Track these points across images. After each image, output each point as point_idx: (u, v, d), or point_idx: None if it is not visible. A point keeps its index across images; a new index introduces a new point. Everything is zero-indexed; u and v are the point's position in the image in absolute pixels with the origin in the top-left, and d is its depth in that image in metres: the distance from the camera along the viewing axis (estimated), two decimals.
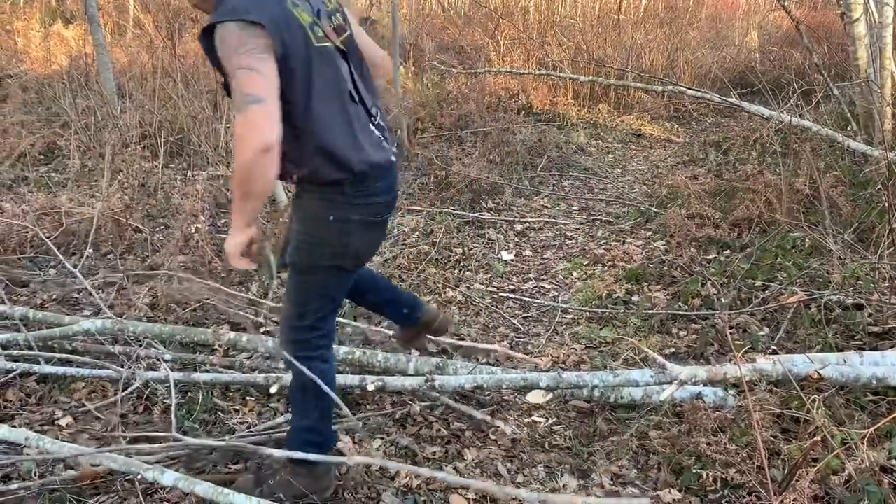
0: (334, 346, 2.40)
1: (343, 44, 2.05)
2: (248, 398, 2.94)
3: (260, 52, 1.76)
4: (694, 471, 2.50)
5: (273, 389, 2.83)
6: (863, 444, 2.34)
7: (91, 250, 4.21)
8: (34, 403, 2.85)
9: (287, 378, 2.84)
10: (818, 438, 2.36)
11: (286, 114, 1.82)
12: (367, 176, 2.04)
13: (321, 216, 2.06)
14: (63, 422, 2.72)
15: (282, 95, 1.81)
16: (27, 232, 4.27)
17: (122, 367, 2.99)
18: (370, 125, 2.09)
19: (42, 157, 5.87)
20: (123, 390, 2.81)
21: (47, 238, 4.10)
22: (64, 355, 3.09)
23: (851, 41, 5.70)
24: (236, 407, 2.88)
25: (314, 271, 2.16)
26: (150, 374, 2.87)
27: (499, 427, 2.77)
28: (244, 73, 1.74)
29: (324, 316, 2.22)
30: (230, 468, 2.50)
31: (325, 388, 2.04)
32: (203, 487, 2.07)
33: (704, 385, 2.89)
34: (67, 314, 3.46)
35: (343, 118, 1.99)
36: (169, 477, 2.10)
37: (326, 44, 1.97)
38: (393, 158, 2.15)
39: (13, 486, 2.28)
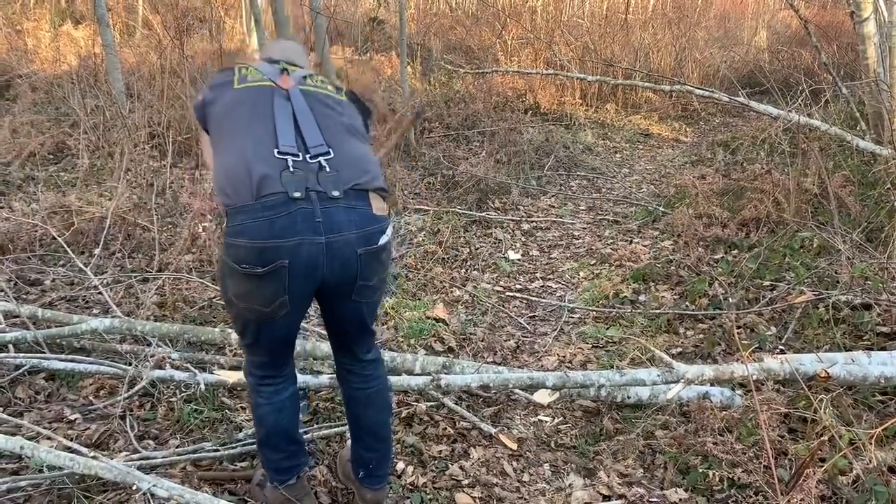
0: (282, 397, 2.13)
1: (305, 87, 2.06)
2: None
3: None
4: (700, 470, 2.49)
5: None
6: (870, 443, 2.33)
7: (100, 249, 4.23)
8: (43, 400, 2.87)
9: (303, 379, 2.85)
10: (825, 438, 2.35)
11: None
12: (239, 208, 1.83)
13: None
14: (71, 418, 2.74)
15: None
16: (36, 231, 4.30)
17: (129, 364, 3.01)
18: (275, 154, 1.87)
19: (51, 156, 5.90)
20: (130, 388, 2.82)
21: (57, 237, 4.12)
22: (72, 355, 3.10)
23: (861, 40, 5.67)
24: (243, 405, 2.89)
25: (227, 303, 2.04)
26: (157, 372, 2.87)
27: (505, 444, 2.76)
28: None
29: (255, 353, 2.09)
30: (235, 466, 2.51)
31: (261, 426, 2.11)
32: (202, 498, 2.05)
33: (711, 384, 2.88)
34: (76, 313, 3.48)
35: (237, 144, 1.93)
36: (163, 489, 2.06)
37: (251, 85, 2.03)
38: (298, 195, 1.81)
39: (22, 483, 2.29)
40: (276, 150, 1.86)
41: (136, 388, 2.80)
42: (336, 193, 1.84)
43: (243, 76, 2.05)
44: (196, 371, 2.83)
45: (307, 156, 1.88)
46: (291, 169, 1.83)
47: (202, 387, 2.77)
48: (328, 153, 1.91)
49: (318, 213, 1.81)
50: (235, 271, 1.85)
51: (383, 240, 1.94)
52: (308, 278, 1.86)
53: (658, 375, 2.59)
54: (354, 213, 1.87)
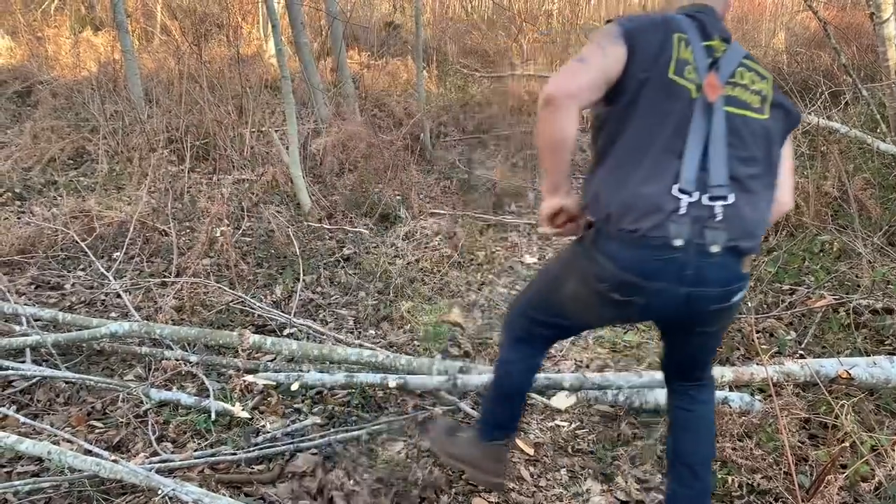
0: (536, 362, 2.17)
1: (730, 105, 1.75)
2: (268, 399, 2.96)
3: (614, 40, 1.73)
4: (720, 476, 2.47)
5: (294, 386, 2.84)
6: (893, 450, 2.30)
7: (119, 253, 4.27)
8: (62, 403, 2.90)
9: (307, 377, 2.86)
10: (847, 444, 2.33)
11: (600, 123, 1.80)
12: (617, 231, 1.71)
13: (577, 241, 1.91)
14: (92, 423, 2.76)
15: (606, 98, 1.74)
16: (56, 235, 4.34)
17: (148, 369, 3.03)
18: (674, 191, 1.67)
19: (71, 161, 5.97)
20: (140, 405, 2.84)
21: (77, 241, 4.17)
22: (83, 369, 3.13)
23: (881, 42, 5.62)
24: (260, 408, 2.90)
25: (546, 274, 2.10)
26: (164, 394, 2.89)
27: (522, 449, 2.75)
28: (588, 44, 1.76)
29: (537, 321, 2.09)
30: (253, 469, 2.52)
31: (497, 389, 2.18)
32: (225, 502, 2.07)
33: (731, 389, 2.86)
34: (95, 316, 3.52)
35: (637, 158, 1.71)
36: (186, 494, 2.10)
37: (685, 84, 1.72)
38: (683, 246, 1.66)
39: (44, 485, 2.31)
40: (675, 187, 1.67)
41: (146, 407, 2.82)
42: (715, 249, 1.69)
43: (680, 62, 1.73)
44: (210, 385, 2.84)
45: (704, 196, 1.68)
46: (682, 211, 1.66)
47: (212, 416, 2.75)
48: (726, 198, 1.69)
49: (691, 266, 1.69)
50: (589, 282, 1.81)
51: (739, 297, 1.82)
52: (650, 316, 1.89)
53: None
54: (725, 270, 1.73)
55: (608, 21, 1.79)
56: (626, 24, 1.74)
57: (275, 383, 2.92)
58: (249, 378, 2.91)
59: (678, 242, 1.66)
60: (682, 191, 1.67)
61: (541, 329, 2.10)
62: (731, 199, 1.70)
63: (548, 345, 2.21)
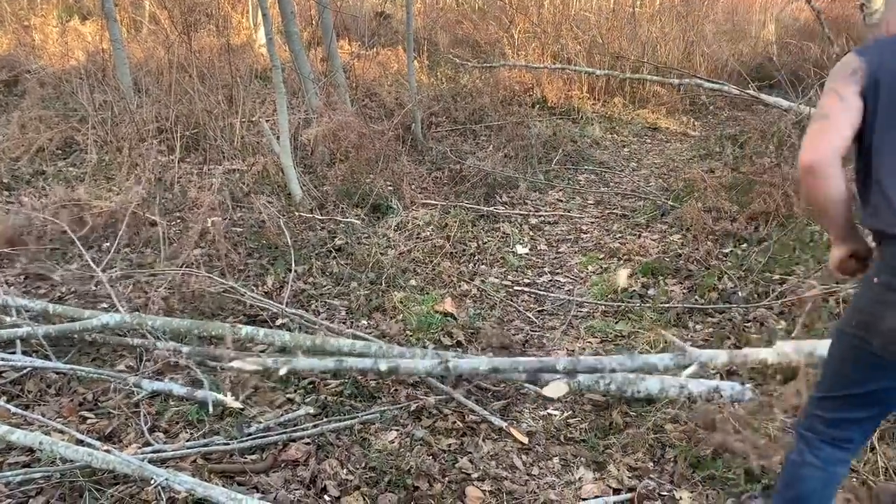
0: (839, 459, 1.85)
1: None
2: (260, 389, 2.95)
3: (848, 79, 1.69)
4: (720, 462, 2.48)
5: (282, 371, 2.77)
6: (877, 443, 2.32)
7: (109, 243, 4.24)
8: (53, 394, 2.89)
9: (296, 362, 2.78)
10: None
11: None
12: None
13: (869, 272, 1.72)
14: (83, 414, 2.75)
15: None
16: (46, 226, 4.31)
17: (140, 360, 3.02)
18: None
19: (60, 151, 5.92)
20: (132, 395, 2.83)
21: (66, 232, 4.14)
22: (75, 360, 3.11)
23: (871, 33, 5.63)
24: (253, 398, 2.90)
25: (837, 336, 1.79)
26: (157, 385, 2.87)
27: (515, 437, 2.75)
28: (826, 92, 1.73)
29: (832, 399, 1.81)
30: (245, 458, 2.52)
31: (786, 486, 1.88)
32: (218, 492, 2.07)
33: (722, 377, 2.87)
34: (86, 307, 3.50)
35: None
36: (179, 483, 2.10)
37: None
38: None
39: (36, 475, 2.30)
40: None
41: (138, 397, 2.81)
42: None
43: None
44: (203, 378, 2.82)
45: None
46: None
47: (210, 407, 2.73)
48: None
49: None
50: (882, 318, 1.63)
51: None
52: None
53: (671, 359, 2.58)
54: None
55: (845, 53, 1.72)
56: (865, 57, 1.68)
57: (261, 368, 2.88)
58: (236, 364, 2.86)
59: None
60: None
61: (839, 414, 1.81)
62: None
63: (850, 438, 1.84)
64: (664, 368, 2.67)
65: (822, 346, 2.71)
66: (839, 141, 1.66)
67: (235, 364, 2.86)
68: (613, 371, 2.76)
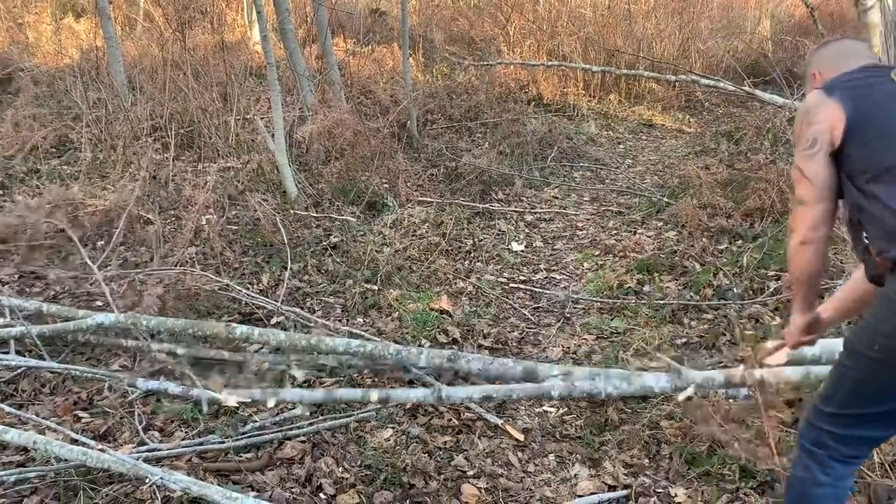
0: (848, 473, 1.84)
1: None
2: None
3: (811, 152, 1.75)
4: (715, 458, 2.48)
5: (270, 403, 2.66)
6: None
7: (104, 242, 4.23)
8: (47, 393, 2.88)
9: (283, 393, 2.65)
10: None
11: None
12: None
13: (884, 290, 1.70)
14: (77, 413, 2.75)
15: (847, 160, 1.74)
16: (40, 224, 4.29)
17: (134, 359, 3.01)
18: None
19: (54, 149, 5.89)
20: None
21: (61, 230, 4.12)
22: (70, 358, 3.10)
23: (865, 29, 5.64)
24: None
25: (853, 356, 1.73)
26: (151, 384, 2.85)
27: (511, 434, 2.74)
28: (795, 169, 1.80)
29: (845, 417, 1.76)
30: (241, 457, 2.52)
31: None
32: (213, 490, 2.06)
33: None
34: (80, 307, 3.49)
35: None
36: (174, 482, 2.09)
37: None
38: None
39: (30, 475, 2.30)
40: None
41: (132, 396, 2.80)
42: None
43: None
44: (196, 379, 2.78)
45: None
46: None
47: (204, 407, 2.69)
48: None
49: None
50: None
51: None
52: None
53: (667, 382, 2.56)
54: None
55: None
56: (839, 101, 1.73)
57: (248, 400, 2.82)
58: (220, 397, 2.64)
59: None
60: None
61: (850, 431, 1.79)
62: None
63: (860, 455, 1.86)
64: (661, 391, 2.66)
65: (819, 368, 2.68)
66: (823, 220, 1.76)
67: (221, 398, 2.78)
68: (609, 394, 2.71)
